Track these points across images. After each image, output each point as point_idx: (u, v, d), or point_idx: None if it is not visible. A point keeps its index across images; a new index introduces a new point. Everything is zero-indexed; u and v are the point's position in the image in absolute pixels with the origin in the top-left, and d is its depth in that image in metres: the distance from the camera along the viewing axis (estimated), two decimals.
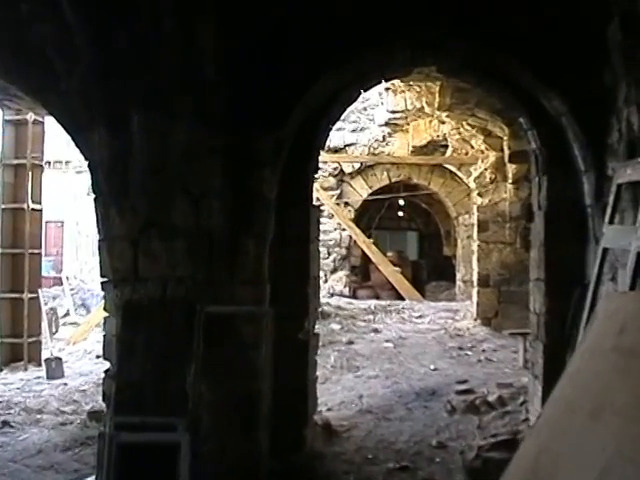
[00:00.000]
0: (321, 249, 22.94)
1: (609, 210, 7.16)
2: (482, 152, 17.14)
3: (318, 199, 22.80)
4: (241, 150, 7.85)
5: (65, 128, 8.01)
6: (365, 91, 9.67)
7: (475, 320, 16.77)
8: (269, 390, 7.97)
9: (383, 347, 14.51)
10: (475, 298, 16.90)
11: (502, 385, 10.82)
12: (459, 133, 17.76)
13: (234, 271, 7.91)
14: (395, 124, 21.71)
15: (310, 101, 8.39)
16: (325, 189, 22.91)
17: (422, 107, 18.98)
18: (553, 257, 8.62)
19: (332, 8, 7.90)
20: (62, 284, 24.83)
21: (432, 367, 12.78)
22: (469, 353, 14.22)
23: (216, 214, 7.67)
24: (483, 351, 14.39)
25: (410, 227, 36.69)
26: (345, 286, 23.58)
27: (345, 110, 9.51)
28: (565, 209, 8.57)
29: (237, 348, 7.77)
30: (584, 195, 8.24)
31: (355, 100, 9.55)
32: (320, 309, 16.46)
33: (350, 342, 14.65)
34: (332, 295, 22.60)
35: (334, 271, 23.59)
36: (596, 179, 7.89)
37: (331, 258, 23.52)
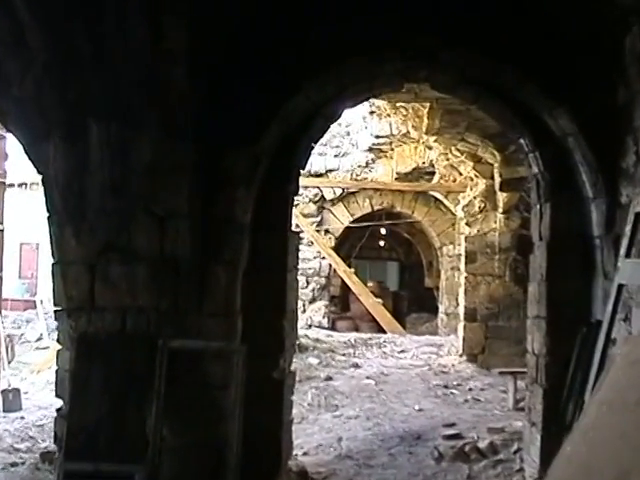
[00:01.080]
0: (299, 278, 22.54)
1: (625, 242, 6.37)
2: (471, 179, 16.35)
3: (297, 225, 22.12)
4: (212, 167, 7.13)
5: (18, 138, 7.21)
6: (351, 106, 8.92)
7: (461, 356, 15.94)
8: (239, 435, 7.10)
9: (364, 384, 13.64)
10: (461, 333, 16.05)
11: (493, 430, 9.98)
12: (447, 159, 16.98)
13: (202, 301, 7.19)
14: (379, 149, 21.02)
15: (290, 115, 7.63)
16: (305, 216, 22.15)
17: (408, 132, 18.32)
18: (556, 293, 7.85)
19: (314, 12, 7.14)
20: (36, 307, 23.91)
21: (416, 407, 11.93)
22: (455, 392, 13.39)
23: (183, 237, 6.94)
24: (470, 390, 13.55)
25: (391, 257, 35.84)
26: (324, 317, 22.73)
27: (328, 127, 8.65)
28: (570, 240, 7.82)
29: (204, 388, 7.04)
30: (592, 225, 7.50)
31: (339, 116, 8.73)
32: (297, 342, 15.70)
33: (329, 378, 13.76)
34: (310, 326, 21.79)
35: (313, 301, 22.76)
36: (607, 207, 7.14)
37: (310, 287, 22.72)
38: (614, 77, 6.93)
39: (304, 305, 22.25)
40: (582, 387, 6.98)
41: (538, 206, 8.32)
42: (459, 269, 21.80)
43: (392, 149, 20.76)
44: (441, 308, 23.66)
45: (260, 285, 7.80)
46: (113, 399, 6.68)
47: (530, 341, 8.52)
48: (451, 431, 10.13)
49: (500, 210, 15.56)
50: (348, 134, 22.71)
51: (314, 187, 22.08)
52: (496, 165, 15.21)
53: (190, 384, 6.94)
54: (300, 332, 17.11)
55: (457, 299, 22.11)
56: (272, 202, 7.92)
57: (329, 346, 16.79)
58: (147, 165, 6.67)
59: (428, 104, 13.80)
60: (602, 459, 3.67)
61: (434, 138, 15.20)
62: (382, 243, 32.94)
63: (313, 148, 8.61)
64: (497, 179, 15.36)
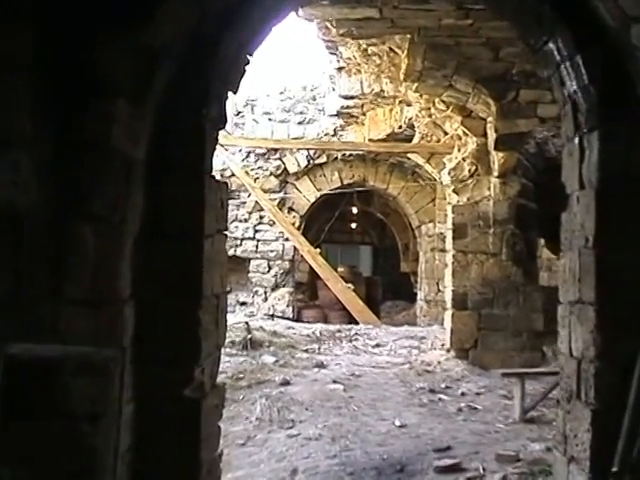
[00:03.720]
0: (261, 262, 20.12)
1: None
2: (459, 138, 13.58)
3: (257, 203, 19.48)
4: (74, 65, 4.38)
5: None
6: None
7: (448, 351, 13.24)
8: None
9: (329, 390, 10.78)
10: (448, 323, 13.30)
11: (504, 458, 7.34)
12: (429, 115, 14.20)
13: (60, 282, 4.42)
14: (348, 114, 18.60)
15: None
16: (266, 191, 19.61)
17: (382, 90, 15.81)
18: (609, 266, 5.25)
19: None
20: None
21: (397, 422, 9.13)
22: (444, 397, 10.66)
23: (25, 179, 4.14)
24: (462, 395, 10.87)
25: (364, 241, 34.03)
26: (288, 305, 20.36)
27: (268, 29, 5.93)
28: (630, 187, 5.23)
29: (63, 420, 4.24)
30: None
31: (284, 15, 6.01)
32: (249, 336, 13.01)
33: (285, 382, 10.94)
34: (273, 316, 19.38)
35: (275, 288, 20.44)
36: None
37: (272, 272, 20.39)
38: None
39: (266, 293, 20.36)
40: None
41: (577, 140, 5.70)
42: (441, 250, 19.46)
43: (364, 113, 18.39)
44: (420, 295, 21.48)
45: (164, 258, 5.15)
46: None
47: (565, 337, 5.91)
48: (446, 459, 7.43)
49: (495, 174, 12.85)
50: (314, 99, 20.72)
51: (274, 156, 19.70)
52: (490, 119, 12.56)
53: (41, 413, 4.19)
54: (254, 324, 14.51)
55: (438, 284, 19.80)
56: (182, 133, 5.25)
57: (289, 341, 14.01)
58: None
59: (407, 40, 11.14)
60: None
61: (414, 88, 12.48)
62: (354, 226, 30.79)
63: (248, 62, 5.93)
64: (491, 136, 12.68)
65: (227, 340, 13.27)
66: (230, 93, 5.92)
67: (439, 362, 12.86)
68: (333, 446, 8.13)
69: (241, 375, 11.01)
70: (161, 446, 5.15)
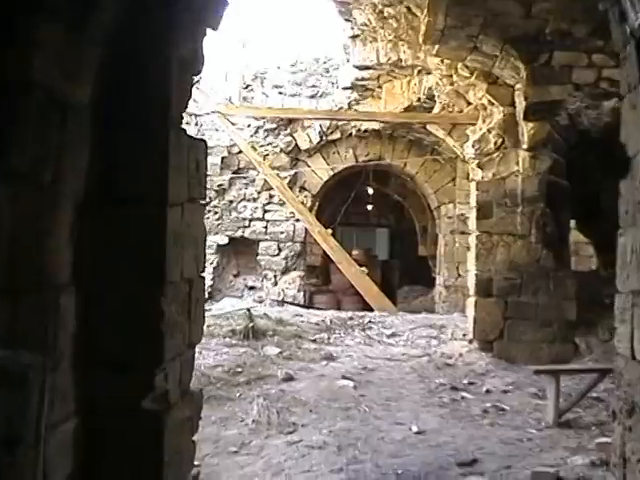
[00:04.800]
0: (270, 244, 18.91)
1: None
2: (484, 108, 12.29)
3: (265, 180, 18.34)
4: None
5: None
6: None
7: (470, 342, 12.03)
8: None
9: (338, 387, 9.54)
10: (471, 311, 12.07)
11: (542, 476, 6.15)
12: (451, 83, 12.92)
13: None
14: (363, 86, 17.34)
15: None
16: (276, 169, 18.43)
17: (399, 59, 14.57)
18: None
19: None
20: None
21: (414, 428, 7.93)
22: (467, 396, 9.48)
23: None
24: (487, 392, 9.68)
25: (380, 223, 32.84)
26: (299, 290, 19.15)
27: None
28: None
29: None
30: None
31: None
32: (251, 324, 11.85)
33: (289, 378, 9.73)
34: (283, 302, 18.18)
35: (286, 271, 19.21)
36: None
37: (282, 255, 19.20)
38: None
39: (275, 277, 19.17)
40: None
41: None
42: (461, 232, 18.29)
43: (380, 86, 17.14)
44: (439, 280, 20.21)
45: (117, 231, 4.04)
46: None
47: (625, 335, 4.70)
48: (472, 478, 6.28)
49: (524, 146, 11.61)
50: (327, 71, 19.48)
51: (284, 131, 18.55)
52: (519, 86, 11.32)
53: None
54: (258, 310, 13.37)
55: (458, 269, 18.63)
56: (142, 74, 4.13)
57: (296, 330, 12.79)
58: None
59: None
60: None
61: (435, 51, 11.24)
62: (370, 208, 29.67)
63: None
64: (520, 104, 11.44)
65: (227, 329, 12.22)
66: (209, 30, 4.75)
67: (461, 354, 11.67)
68: (339, 457, 6.92)
69: (239, 369, 9.87)
70: (113, 471, 4.05)
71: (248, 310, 12.36)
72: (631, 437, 4.53)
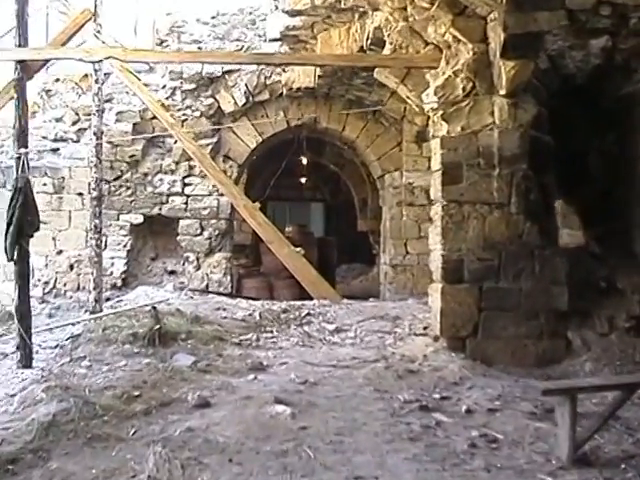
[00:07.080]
0: (191, 222, 15.91)
1: None
2: (448, 47, 9.74)
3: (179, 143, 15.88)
4: None
5: None
6: None
7: (436, 340, 9.60)
8: None
9: (269, 415, 6.80)
10: (437, 302, 9.60)
11: None
12: (405, 18, 10.35)
13: None
14: (295, 36, 14.99)
15: None
16: (196, 136, 16.02)
17: (337, 1, 12.14)
18: None
19: None
20: None
21: None
22: (443, 419, 7.00)
23: None
24: (468, 412, 7.25)
25: (315, 197, 31.87)
26: (225, 274, 16.79)
27: None
28: None
29: None
30: None
31: None
32: (157, 327, 9.32)
33: (203, 404, 7.07)
34: (207, 290, 15.83)
35: (210, 253, 16.97)
36: None
37: (205, 235, 16.96)
38: None
39: (198, 259, 17.07)
40: None
41: None
42: (409, 204, 16.09)
43: (314, 37, 14.74)
44: (383, 258, 18.03)
45: None
46: None
47: None
48: None
49: (501, 92, 9.23)
50: (253, 23, 17.26)
51: (205, 92, 16.44)
52: (494, 15, 8.90)
53: None
54: (170, 304, 10.90)
55: (406, 245, 16.44)
56: None
57: (216, 330, 10.16)
58: None
59: None
60: None
61: None
62: (303, 180, 27.99)
63: None
64: (496, 39, 9.02)
65: (128, 332, 9.46)
66: None
67: (425, 356, 9.23)
68: None
69: (137, 392, 7.34)
70: None
71: (154, 309, 9.79)
72: None
